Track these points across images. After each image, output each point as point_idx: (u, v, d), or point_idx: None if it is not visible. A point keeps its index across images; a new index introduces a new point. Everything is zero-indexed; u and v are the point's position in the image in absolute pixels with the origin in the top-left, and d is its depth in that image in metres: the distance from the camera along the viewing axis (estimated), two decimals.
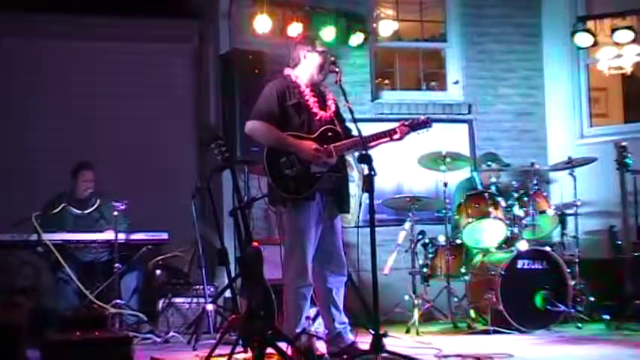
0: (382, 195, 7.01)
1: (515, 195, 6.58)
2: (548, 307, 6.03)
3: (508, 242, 6.47)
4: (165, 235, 6.48)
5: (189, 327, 6.06)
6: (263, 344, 4.23)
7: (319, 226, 4.72)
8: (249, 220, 4.81)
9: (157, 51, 7.83)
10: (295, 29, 7.27)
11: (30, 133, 7.43)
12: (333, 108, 4.88)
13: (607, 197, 7.11)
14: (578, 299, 6.39)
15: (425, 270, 6.63)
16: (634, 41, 7.34)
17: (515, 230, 6.47)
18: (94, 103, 7.58)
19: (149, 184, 7.31)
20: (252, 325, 4.33)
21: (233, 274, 5.54)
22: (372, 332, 4.31)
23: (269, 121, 4.69)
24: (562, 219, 6.80)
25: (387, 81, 8.25)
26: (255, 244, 4.50)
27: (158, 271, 6.69)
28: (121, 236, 6.27)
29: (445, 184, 6.62)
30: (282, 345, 4.40)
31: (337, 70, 4.76)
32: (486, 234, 6.50)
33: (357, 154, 4.80)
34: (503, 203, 6.51)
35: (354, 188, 6.96)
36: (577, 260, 6.56)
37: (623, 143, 6.36)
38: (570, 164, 6.69)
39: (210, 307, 5.99)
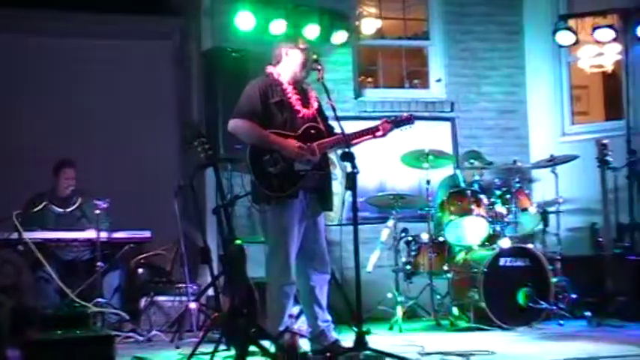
0: (365, 193, 7.02)
1: (498, 192, 6.61)
2: (531, 304, 6.05)
3: (490, 240, 6.50)
4: (147, 234, 6.45)
5: (172, 325, 6.05)
6: (246, 342, 4.22)
7: (302, 224, 4.72)
8: (232, 218, 4.80)
9: (139, 48, 7.78)
10: (278, 27, 7.25)
11: (10, 131, 7.35)
12: (315, 105, 4.88)
13: (588, 195, 7.15)
14: (560, 296, 6.42)
15: (408, 267, 6.64)
16: (615, 40, 7.38)
17: (498, 228, 6.50)
18: (75, 100, 7.52)
19: (131, 182, 7.26)
20: (235, 323, 4.32)
21: (216, 272, 5.52)
22: (355, 330, 4.31)
23: (252, 120, 4.68)
24: (544, 216, 6.83)
25: (369, 79, 8.26)
26: (238, 242, 4.49)
27: (140, 270, 6.66)
28: (103, 235, 6.23)
29: (428, 182, 6.64)
30: (266, 343, 4.39)
31: (320, 67, 4.76)
32: (469, 231, 6.52)
33: (339, 152, 4.80)
34: (485, 201, 6.54)
35: (337, 186, 6.95)
36: (559, 257, 6.60)
37: (604, 141, 6.40)
38: (552, 162, 6.72)
39: (193, 305, 5.97)
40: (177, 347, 5.44)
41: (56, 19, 7.49)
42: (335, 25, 7.58)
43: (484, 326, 6.01)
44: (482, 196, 6.55)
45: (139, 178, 7.38)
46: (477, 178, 6.88)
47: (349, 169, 4.38)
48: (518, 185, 6.63)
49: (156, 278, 6.62)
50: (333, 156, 6.33)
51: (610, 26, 7.32)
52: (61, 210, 6.62)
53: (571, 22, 7.51)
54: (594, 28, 7.38)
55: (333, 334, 4.79)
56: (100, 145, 7.41)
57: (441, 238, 6.63)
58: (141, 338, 5.89)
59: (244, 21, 7.19)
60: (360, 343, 4.26)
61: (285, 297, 4.68)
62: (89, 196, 6.51)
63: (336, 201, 5.93)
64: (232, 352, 4.38)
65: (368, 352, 4.27)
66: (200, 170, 6.58)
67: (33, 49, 7.53)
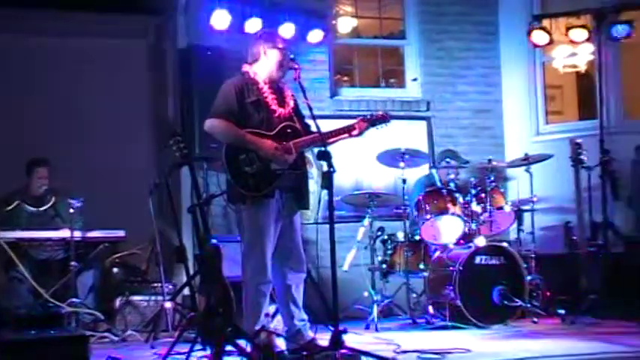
0: (341, 191, 7.03)
1: (473, 191, 6.64)
2: (505, 302, 6.09)
3: (466, 238, 6.53)
4: (122, 233, 6.41)
5: (147, 325, 6.01)
6: (222, 342, 4.21)
7: (278, 223, 4.71)
8: (207, 217, 4.78)
9: (114, 46, 7.72)
10: (254, 25, 7.23)
11: None
12: (291, 104, 4.87)
13: (562, 193, 7.20)
14: (535, 294, 6.48)
15: (384, 266, 6.66)
16: (588, 40, 7.45)
17: (473, 226, 6.53)
18: (49, 98, 7.44)
19: (106, 180, 7.20)
20: (211, 323, 4.30)
21: (192, 272, 5.50)
22: (332, 329, 4.31)
23: (228, 119, 4.66)
24: (519, 215, 6.87)
25: (346, 78, 8.27)
26: (213, 241, 4.47)
27: (115, 269, 6.61)
28: (77, 234, 6.18)
29: (404, 181, 6.65)
30: (242, 342, 4.38)
31: (297, 67, 4.75)
32: (444, 230, 6.55)
33: (316, 150, 4.80)
34: (461, 199, 6.57)
35: (313, 185, 6.95)
36: (533, 255, 6.65)
37: (578, 140, 6.45)
38: (527, 161, 6.77)
39: (168, 304, 5.94)
40: (153, 347, 5.40)
41: (29, 18, 7.39)
42: (311, 23, 7.58)
43: (460, 324, 6.04)
44: (457, 195, 6.58)
45: (114, 177, 7.31)
46: (452, 177, 6.91)
47: (325, 167, 4.38)
48: (493, 184, 6.67)
49: (131, 278, 6.57)
50: (310, 155, 6.33)
51: (583, 26, 7.39)
52: (34, 209, 6.56)
53: (545, 23, 7.57)
54: (568, 29, 7.45)
55: (310, 333, 4.78)
56: (74, 144, 7.33)
57: (417, 237, 6.65)
58: (116, 338, 5.85)
59: (220, 19, 7.15)
60: (337, 341, 4.26)
61: (262, 296, 4.67)
62: (63, 195, 6.46)
63: (312, 200, 5.93)
64: (208, 351, 4.36)
65: (344, 351, 4.26)
66: (175, 169, 6.55)
67: (3, 48, 7.43)
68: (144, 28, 7.88)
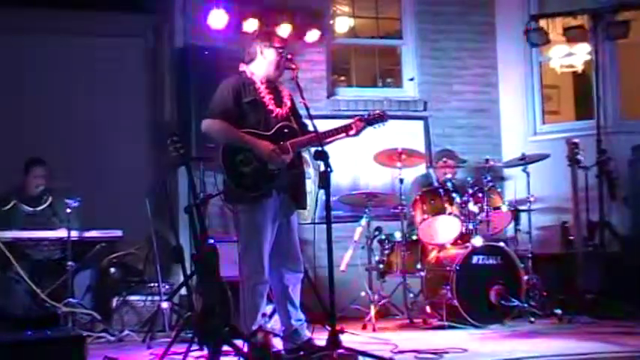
0: (338, 191, 7.02)
1: (470, 191, 6.64)
2: (502, 301, 6.10)
3: (463, 238, 6.53)
4: (119, 233, 6.40)
5: (144, 325, 6.01)
6: (219, 342, 4.21)
7: (275, 223, 4.71)
8: (204, 217, 4.77)
9: (111, 46, 7.71)
10: (251, 25, 7.23)
11: None
12: (288, 104, 4.87)
13: (559, 193, 7.21)
14: (532, 294, 6.47)
15: (381, 266, 6.66)
16: (585, 40, 7.46)
17: (470, 226, 6.54)
18: (46, 98, 7.43)
19: (103, 180, 7.20)
20: (208, 323, 4.30)
21: (189, 272, 5.49)
22: (329, 329, 4.31)
23: (225, 119, 4.66)
24: (516, 215, 6.88)
25: (343, 78, 8.26)
26: (210, 241, 4.47)
27: (112, 269, 6.60)
28: (74, 234, 6.17)
29: (401, 181, 6.64)
30: (239, 342, 4.38)
31: (294, 67, 4.75)
32: (442, 230, 6.55)
33: (313, 150, 4.80)
34: (458, 199, 6.57)
35: (311, 185, 6.94)
36: (530, 255, 6.65)
37: (575, 140, 6.46)
38: (524, 161, 6.77)
39: (165, 304, 5.94)
40: (150, 347, 5.40)
41: (28, 16, 7.39)
42: (308, 23, 7.57)
43: (457, 324, 6.04)
44: (454, 195, 6.58)
45: (111, 177, 7.32)
46: (449, 176, 6.92)
47: (322, 167, 4.38)
48: (490, 184, 6.66)
49: (128, 278, 6.56)
50: (307, 155, 6.32)
51: (580, 26, 7.39)
52: (30, 209, 6.55)
53: (542, 22, 7.58)
54: (565, 29, 7.45)
55: (307, 333, 4.79)
56: (72, 143, 7.33)
57: (414, 237, 6.65)
58: (112, 338, 5.84)
59: (217, 19, 7.16)
60: (334, 341, 4.26)
61: (259, 296, 4.67)
62: (60, 194, 6.45)
63: (309, 200, 5.92)
64: (205, 351, 4.36)
65: (341, 351, 4.26)
66: (172, 169, 6.55)
67: (2, 47, 7.43)
68: (141, 27, 7.88)
